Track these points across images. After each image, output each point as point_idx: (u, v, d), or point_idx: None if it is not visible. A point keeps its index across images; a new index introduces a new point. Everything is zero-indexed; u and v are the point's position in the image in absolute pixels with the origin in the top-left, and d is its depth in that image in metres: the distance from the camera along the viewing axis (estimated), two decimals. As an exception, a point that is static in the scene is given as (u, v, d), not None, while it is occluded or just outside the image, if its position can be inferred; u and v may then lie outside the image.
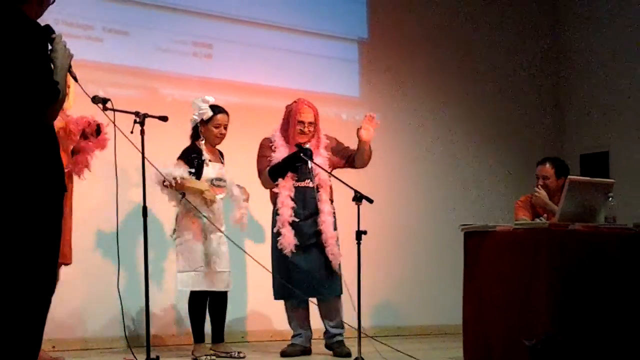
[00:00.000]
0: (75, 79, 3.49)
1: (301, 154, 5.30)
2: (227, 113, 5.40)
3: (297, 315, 5.50)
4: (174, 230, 5.30)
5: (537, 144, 8.19)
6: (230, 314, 5.57)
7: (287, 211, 5.33)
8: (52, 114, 3.25)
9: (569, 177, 5.13)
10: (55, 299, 3.52)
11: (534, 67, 8.46)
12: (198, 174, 5.23)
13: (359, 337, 4.86)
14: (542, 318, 4.49)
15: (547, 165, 5.71)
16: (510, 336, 4.61)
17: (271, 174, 5.39)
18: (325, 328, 5.51)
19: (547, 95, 8.55)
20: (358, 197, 5.00)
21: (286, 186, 5.38)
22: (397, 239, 7.33)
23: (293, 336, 5.54)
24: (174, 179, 5.07)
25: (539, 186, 5.66)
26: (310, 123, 5.44)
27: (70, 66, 3.37)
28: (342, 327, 5.49)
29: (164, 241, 5.68)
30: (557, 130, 8.50)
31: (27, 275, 3.18)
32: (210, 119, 5.32)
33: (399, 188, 7.48)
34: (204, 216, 5.10)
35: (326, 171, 5.37)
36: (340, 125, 7.24)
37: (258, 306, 6.52)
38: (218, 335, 5.40)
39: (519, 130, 8.26)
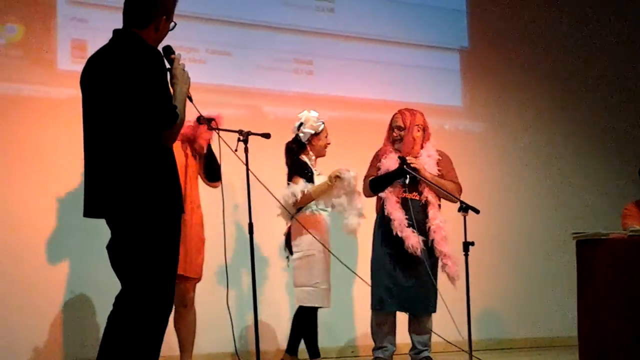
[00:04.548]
0: (191, 100, 3.58)
1: (404, 166, 5.23)
2: None
3: (387, 327, 5.34)
4: (285, 248, 5.34)
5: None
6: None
7: (400, 215, 5.21)
8: (171, 137, 3.33)
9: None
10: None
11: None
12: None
13: (470, 350, 4.77)
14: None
15: None
16: (628, 347, 4.45)
17: (372, 184, 5.35)
18: (413, 344, 5.38)
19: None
20: (464, 208, 4.92)
21: (394, 192, 5.28)
22: (505, 248, 7.19)
23: (378, 348, 5.35)
24: (302, 192, 5.15)
25: None
26: (398, 127, 5.37)
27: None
28: (429, 345, 5.37)
29: (266, 257, 5.73)
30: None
31: (145, 291, 3.27)
32: (322, 130, 5.39)
33: (505, 196, 7.34)
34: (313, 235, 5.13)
35: (429, 182, 5.28)
36: (443, 135, 7.17)
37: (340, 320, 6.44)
38: (314, 350, 5.36)
39: (626, 134, 7.99)
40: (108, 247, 3.39)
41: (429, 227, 5.25)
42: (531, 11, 7.79)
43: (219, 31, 6.43)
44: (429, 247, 5.23)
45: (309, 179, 5.27)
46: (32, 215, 5.57)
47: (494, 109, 7.46)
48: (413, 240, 5.15)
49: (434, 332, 5.33)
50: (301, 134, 5.36)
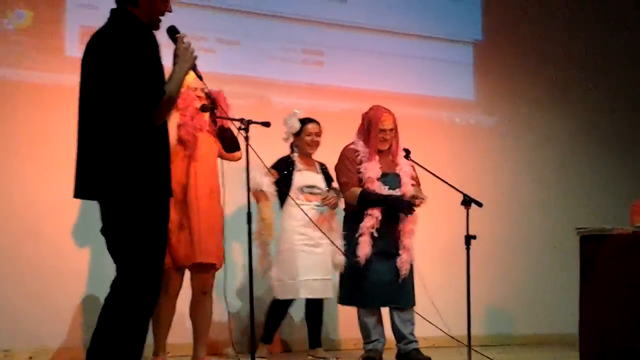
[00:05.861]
0: (200, 78, 3.57)
1: (404, 208, 5.21)
2: (317, 122, 5.58)
3: (374, 321, 5.35)
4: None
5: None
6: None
7: (370, 221, 5.19)
8: (159, 116, 3.27)
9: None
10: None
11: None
12: (288, 180, 5.40)
13: (469, 346, 4.73)
14: (663, 326, 4.24)
15: None
16: (629, 345, 4.38)
17: (362, 201, 5.23)
18: (400, 335, 5.33)
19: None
20: (467, 201, 4.90)
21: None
22: (507, 243, 7.10)
23: (369, 342, 5.36)
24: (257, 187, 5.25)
25: None
26: (391, 130, 5.37)
27: (195, 66, 3.42)
28: (415, 338, 5.35)
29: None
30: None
31: (132, 276, 3.26)
32: (302, 129, 5.50)
33: (512, 190, 7.27)
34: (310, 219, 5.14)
35: (433, 174, 5.23)
36: (454, 128, 7.13)
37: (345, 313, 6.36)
38: (316, 340, 5.57)
39: (637, 131, 7.87)
40: (102, 232, 3.39)
41: (401, 218, 5.25)
42: (547, 4, 7.69)
43: (228, 20, 6.40)
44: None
45: (284, 170, 5.42)
46: (45, 201, 5.57)
47: (506, 103, 7.38)
48: (362, 250, 5.15)
49: (442, 327, 5.28)
50: (285, 137, 5.55)
